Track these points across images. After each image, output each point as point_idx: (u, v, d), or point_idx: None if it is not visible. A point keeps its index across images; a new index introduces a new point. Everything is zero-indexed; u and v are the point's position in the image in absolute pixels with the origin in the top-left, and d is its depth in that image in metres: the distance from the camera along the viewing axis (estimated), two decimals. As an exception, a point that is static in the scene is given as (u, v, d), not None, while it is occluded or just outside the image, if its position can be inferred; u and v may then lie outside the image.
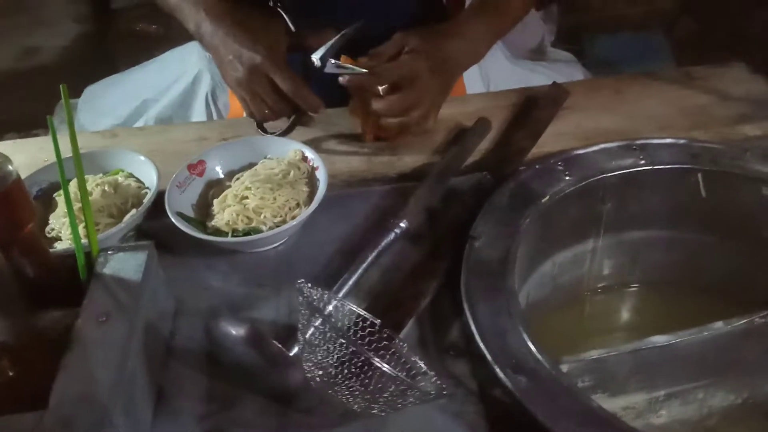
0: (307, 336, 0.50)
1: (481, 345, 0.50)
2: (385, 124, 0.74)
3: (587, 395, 0.47)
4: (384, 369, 0.45)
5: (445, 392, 0.47)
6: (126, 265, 0.55)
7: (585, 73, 2.14)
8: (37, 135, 2.08)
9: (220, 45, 0.75)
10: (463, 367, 0.54)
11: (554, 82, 0.84)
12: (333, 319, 0.55)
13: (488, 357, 0.49)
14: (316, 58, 0.74)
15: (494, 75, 2.14)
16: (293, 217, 0.65)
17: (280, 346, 0.50)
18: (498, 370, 0.48)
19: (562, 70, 2.17)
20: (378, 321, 0.56)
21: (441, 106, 0.78)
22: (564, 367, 0.53)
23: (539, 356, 0.50)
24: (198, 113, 1.84)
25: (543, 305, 0.74)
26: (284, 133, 0.80)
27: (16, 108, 2.05)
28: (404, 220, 0.65)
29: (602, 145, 0.72)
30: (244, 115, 0.81)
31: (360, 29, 0.78)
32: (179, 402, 0.53)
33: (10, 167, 0.50)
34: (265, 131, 0.81)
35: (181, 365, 0.56)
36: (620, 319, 0.81)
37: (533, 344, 0.51)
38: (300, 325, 0.50)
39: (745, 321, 0.57)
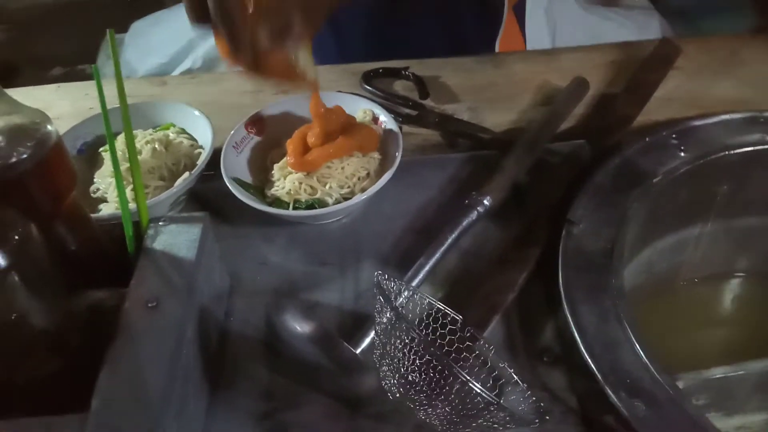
0: (382, 336, 0.43)
1: (589, 360, 0.43)
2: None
3: (718, 430, 0.40)
4: (476, 390, 0.38)
5: (547, 417, 0.40)
6: (178, 239, 0.48)
7: (662, 22, 1.96)
8: (83, 71, 2.03)
9: None
10: (560, 377, 0.47)
11: (664, 37, 0.73)
12: (410, 316, 0.48)
13: (598, 376, 0.42)
14: None
15: (562, 20, 1.98)
16: (362, 189, 0.57)
17: (352, 349, 0.43)
18: (611, 392, 0.41)
19: (636, 18, 2.00)
20: (460, 317, 0.48)
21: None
22: (680, 384, 0.45)
23: (658, 376, 0.42)
24: (247, 54, 1.75)
25: (634, 296, 0.66)
26: None
27: (61, 42, 2.00)
28: (488, 196, 0.56)
29: (723, 116, 0.61)
30: None
31: None
32: (235, 397, 0.48)
33: (49, 127, 0.43)
34: None
35: (237, 353, 0.50)
36: (718, 312, 0.72)
37: (650, 361, 0.43)
38: (376, 326, 0.43)
39: None
